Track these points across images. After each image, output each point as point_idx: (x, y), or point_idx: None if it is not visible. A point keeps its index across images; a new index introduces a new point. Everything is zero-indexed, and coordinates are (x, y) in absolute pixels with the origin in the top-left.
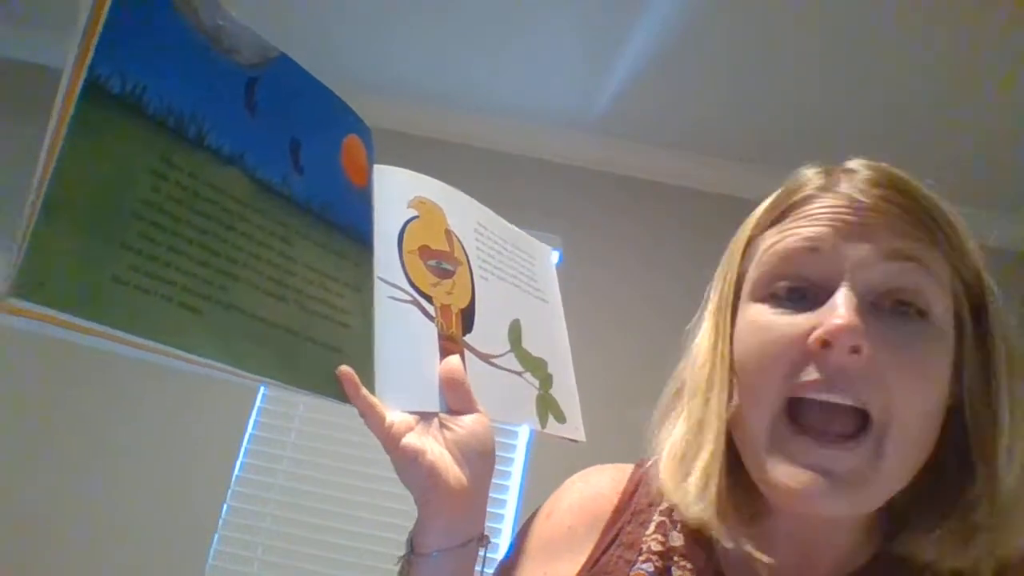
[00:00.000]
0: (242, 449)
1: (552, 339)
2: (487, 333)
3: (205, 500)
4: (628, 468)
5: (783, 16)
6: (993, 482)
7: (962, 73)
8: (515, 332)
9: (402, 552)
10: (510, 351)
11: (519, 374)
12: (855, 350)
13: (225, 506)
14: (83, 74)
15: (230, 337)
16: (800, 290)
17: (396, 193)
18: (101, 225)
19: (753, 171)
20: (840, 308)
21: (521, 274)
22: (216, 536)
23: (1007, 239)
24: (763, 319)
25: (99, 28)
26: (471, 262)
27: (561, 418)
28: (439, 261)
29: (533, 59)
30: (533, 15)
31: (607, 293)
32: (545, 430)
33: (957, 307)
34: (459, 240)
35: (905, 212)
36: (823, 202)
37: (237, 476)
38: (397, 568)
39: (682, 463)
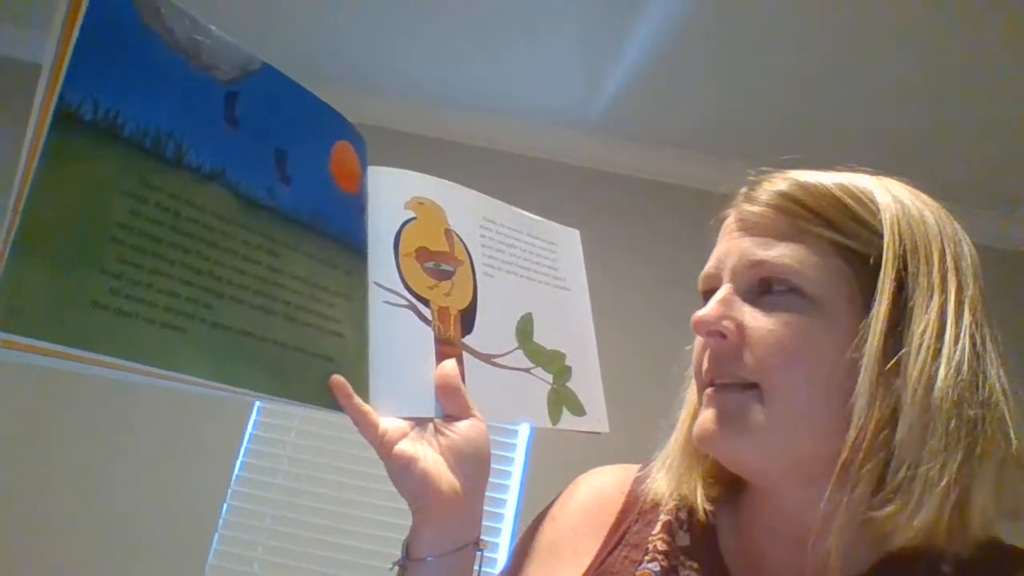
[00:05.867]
0: (242, 449)
1: (573, 329)
2: (490, 332)
3: (205, 500)
4: (633, 468)
5: (783, 15)
6: (905, 445)
7: (962, 73)
8: (525, 327)
9: (399, 555)
10: (517, 348)
11: (527, 371)
12: (722, 334)
13: (225, 506)
14: (53, 104)
15: (217, 355)
16: None
17: (392, 195)
18: (77, 252)
19: (753, 171)
20: (708, 303)
21: (538, 265)
22: (216, 536)
23: (1007, 239)
24: None
25: (68, 56)
26: (474, 260)
27: (579, 411)
28: (437, 263)
29: (533, 58)
30: (533, 14)
31: (606, 292)
32: (558, 426)
33: (858, 275)
34: (460, 239)
35: (773, 213)
36: (727, 222)
37: (237, 476)
38: (393, 573)
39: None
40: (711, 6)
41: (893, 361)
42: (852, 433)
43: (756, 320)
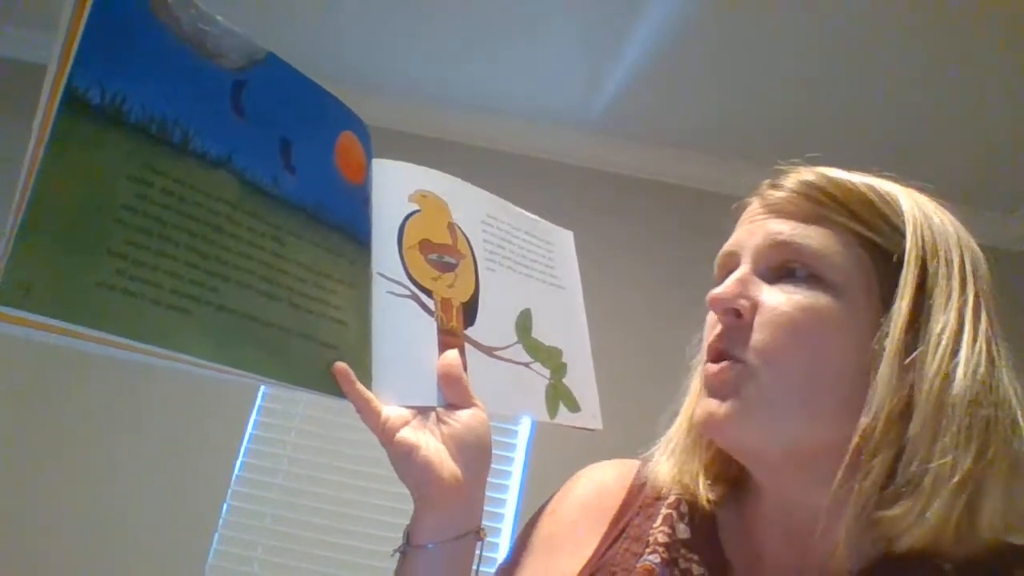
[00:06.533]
0: (242, 449)
1: (568, 327)
2: (492, 325)
3: (205, 500)
4: (635, 463)
5: (783, 15)
6: (918, 440)
7: (962, 73)
8: (524, 322)
9: (399, 545)
10: (517, 342)
11: (526, 365)
12: (737, 314)
13: (225, 506)
14: (62, 87)
15: (221, 337)
16: None
17: (397, 187)
18: (83, 233)
19: (753, 171)
20: (725, 281)
21: (536, 262)
22: (216, 536)
23: (1007, 239)
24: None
25: (77, 41)
26: (476, 254)
27: (575, 407)
28: (440, 255)
29: (533, 58)
30: (533, 14)
31: (606, 292)
32: (555, 420)
33: (878, 268)
34: (463, 233)
35: (800, 199)
36: (750, 208)
37: (237, 476)
38: (394, 558)
39: (668, 441)
40: (711, 6)
41: (913, 356)
42: (865, 420)
43: (774, 301)
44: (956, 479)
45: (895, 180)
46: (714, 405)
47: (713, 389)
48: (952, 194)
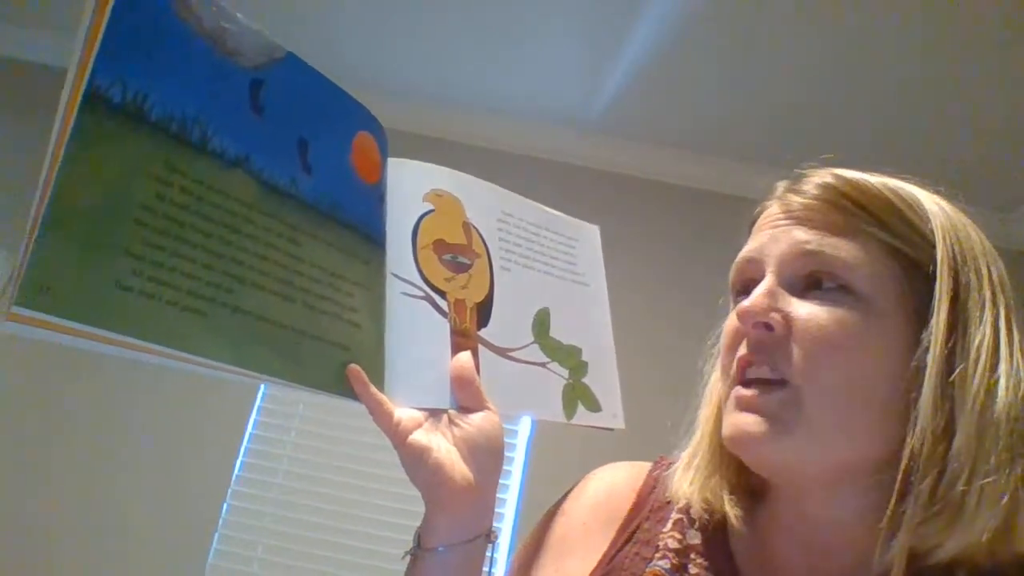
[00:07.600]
0: (242, 449)
1: (591, 325)
2: (506, 325)
3: (205, 500)
4: (646, 466)
5: (783, 15)
6: (962, 458)
7: (962, 73)
8: (541, 322)
9: (407, 548)
10: (533, 342)
11: (542, 365)
12: (767, 326)
13: (225, 506)
14: (83, 85)
15: (236, 339)
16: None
17: (411, 187)
18: (103, 233)
19: (753, 171)
20: (753, 293)
21: (556, 259)
22: (216, 536)
23: (1007, 239)
24: (727, 319)
25: (99, 38)
26: (491, 254)
27: (594, 407)
28: (454, 255)
29: (533, 58)
30: (533, 13)
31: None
32: (573, 421)
33: (907, 279)
34: (478, 232)
35: (825, 206)
36: (769, 212)
37: (237, 476)
38: (405, 561)
39: (691, 456)
40: (711, 6)
41: (954, 373)
42: (911, 440)
43: (806, 314)
44: (1002, 501)
45: (905, 178)
46: (754, 424)
47: (754, 411)
48: (952, 194)
